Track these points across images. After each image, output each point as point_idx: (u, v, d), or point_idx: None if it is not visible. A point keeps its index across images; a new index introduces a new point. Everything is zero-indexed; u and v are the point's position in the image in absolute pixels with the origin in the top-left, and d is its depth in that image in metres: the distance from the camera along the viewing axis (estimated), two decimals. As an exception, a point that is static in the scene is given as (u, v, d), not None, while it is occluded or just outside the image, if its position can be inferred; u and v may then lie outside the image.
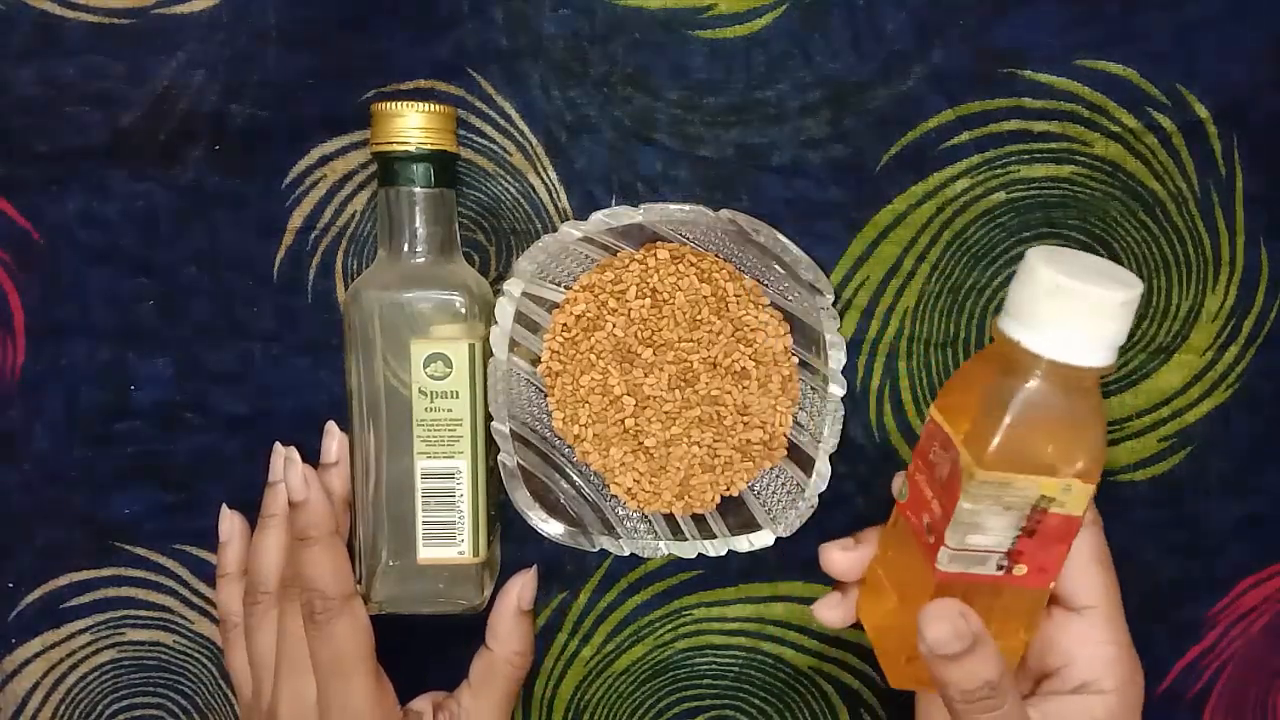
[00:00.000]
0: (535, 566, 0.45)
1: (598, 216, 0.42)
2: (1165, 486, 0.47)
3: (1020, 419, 0.33)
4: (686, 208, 0.42)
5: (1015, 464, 0.33)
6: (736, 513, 0.45)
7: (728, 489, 0.45)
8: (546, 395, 0.44)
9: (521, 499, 0.43)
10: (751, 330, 0.44)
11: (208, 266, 0.45)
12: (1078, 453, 0.33)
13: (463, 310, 0.41)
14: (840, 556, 0.39)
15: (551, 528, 0.44)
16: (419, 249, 0.41)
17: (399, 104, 0.40)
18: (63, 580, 0.47)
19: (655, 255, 0.43)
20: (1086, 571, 0.38)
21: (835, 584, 0.41)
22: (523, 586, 0.44)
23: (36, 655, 0.48)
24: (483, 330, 0.42)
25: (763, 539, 0.44)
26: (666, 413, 0.44)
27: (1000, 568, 0.34)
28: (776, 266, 0.43)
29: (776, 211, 0.45)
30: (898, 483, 0.39)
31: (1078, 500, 0.33)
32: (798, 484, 0.44)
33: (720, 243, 0.43)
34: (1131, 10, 0.43)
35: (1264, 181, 0.45)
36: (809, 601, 0.47)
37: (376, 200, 0.44)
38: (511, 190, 0.45)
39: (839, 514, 0.46)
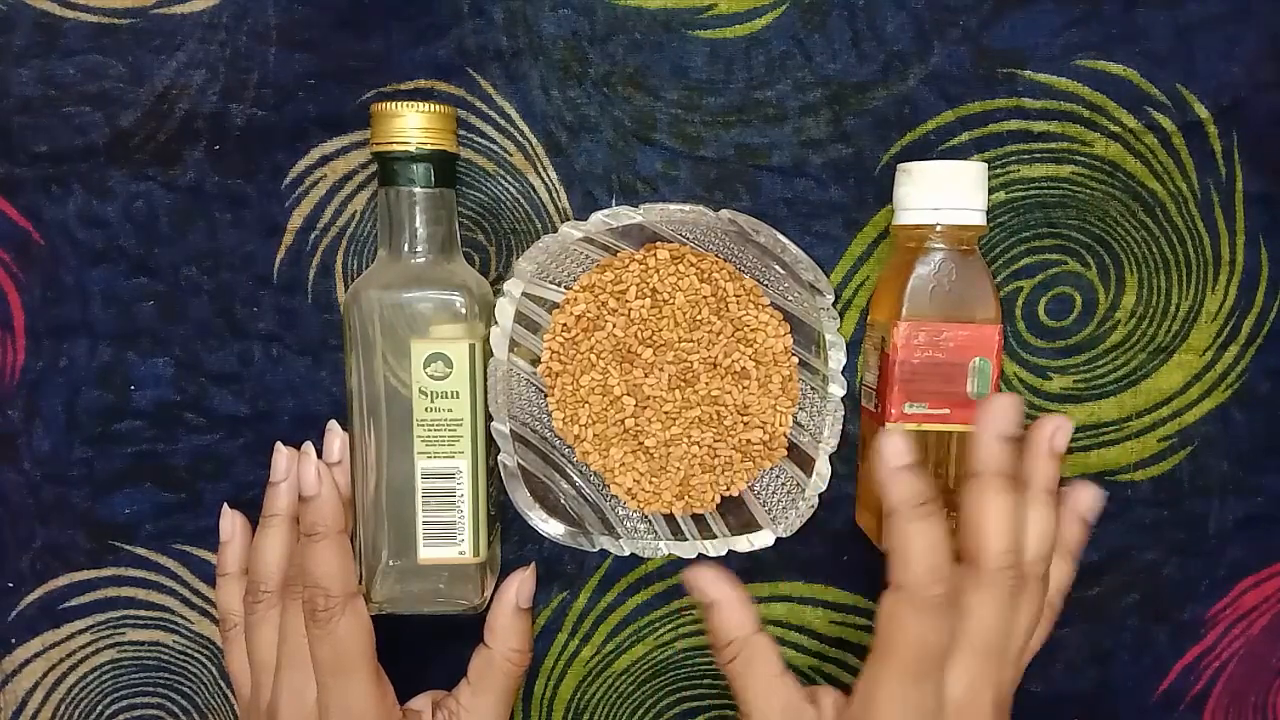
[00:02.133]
0: (534, 564, 0.45)
1: (598, 217, 0.42)
2: (1165, 486, 0.47)
3: (881, 276, 0.44)
4: (686, 208, 0.42)
5: (877, 311, 0.44)
6: (736, 513, 0.45)
7: (728, 489, 0.45)
8: (546, 395, 0.44)
9: (521, 499, 0.43)
10: (751, 330, 0.44)
11: (208, 266, 0.45)
12: (897, 299, 0.41)
13: (463, 310, 0.41)
14: None
15: (552, 528, 0.44)
16: (419, 249, 0.41)
17: (399, 104, 0.40)
18: (63, 580, 0.47)
19: (655, 255, 0.43)
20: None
21: None
22: (521, 584, 0.44)
23: (36, 655, 0.48)
24: (483, 330, 0.42)
25: (763, 539, 0.44)
26: (666, 413, 0.44)
27: (875, 404, 0.43)
28: (776, 267, 0.43)
29: (776, 211, 0.45)
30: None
31: (890, 338, 0.41)
32: (798, 484, 0.44)
33: (720, 243, 0.43)
34: (1131, 10, 0.43)
35: (1264, 181, 0.45)
36: (809, 602, 0.47)
37: (376, 200, 0.44)
38: (511, 190, 0.45)
39: (839, 514, 0.46)
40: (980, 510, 0.35)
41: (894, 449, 0.35)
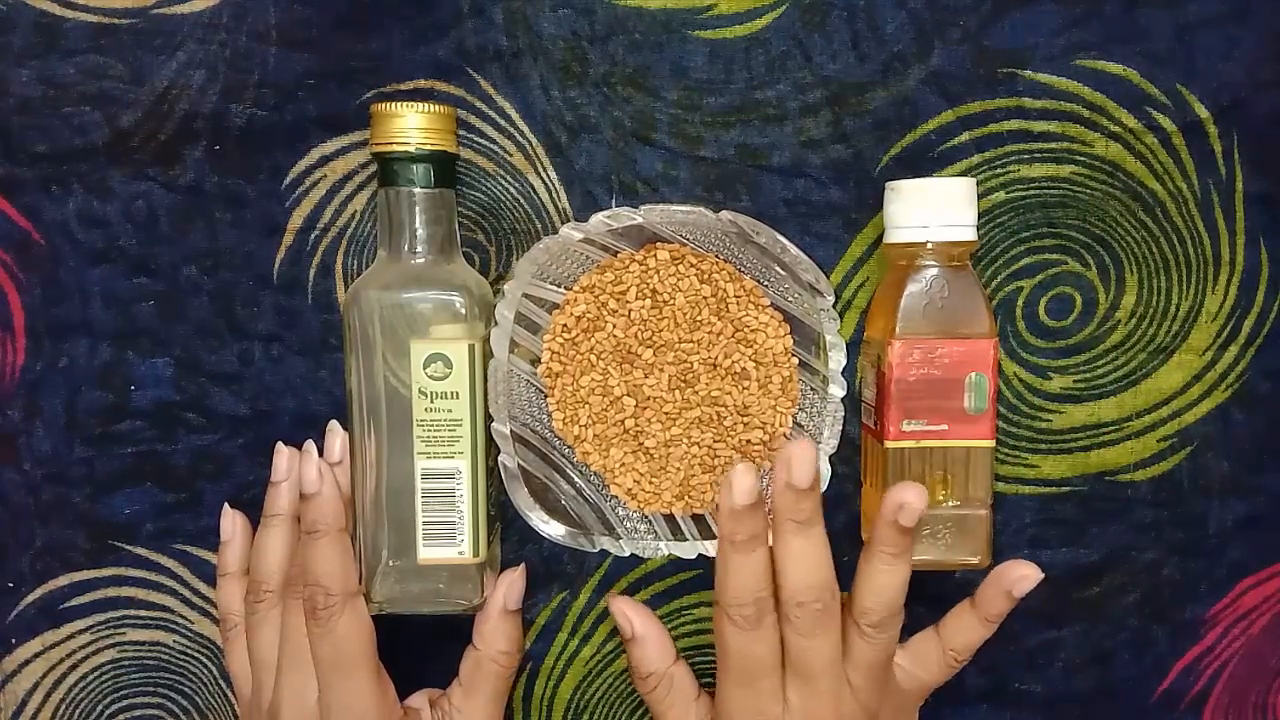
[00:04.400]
0: (523, 565, 0.45)
1: (598, 218, 0.42)
2: (1165, 486, 0.47)
3: (875, 294, 0.44)
4: (687, 209, 0.42)
5: (872, 329, 0.44)
6: (736, 513, 0.45)
7: (728, 489, 0.45)
8: (547, 396, 0.44)
9: (522, 500, 0.43)
10: (752, 331, 0.44)
11: (208, 266, 0.45)
12: (891, 318, 0.41)
13: (463, 311, 0.41)
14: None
15: (552, 529, 0.44)
16: (419, 249, 0.41)
17: (398, 104, 0.40)
18: (63, 580, 0.47)
19: (655, 256, 0.43)
20: None
21: None
22: (509, 586, 0.44)
23: (36, 655, 0.48)
24: (483, 331, 0.42)
25: (763, 539, 0.44)
26: (667, 413, 0.44)
27: (874, 421, 0.43)
28: (777, 267, 0.43)
29: (776, 212, 0.45)
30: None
31: (886, 357, 0.41)
32: (798, 484, 0.44)
33: (720, 243, 0.43)
34: (1131, 10, 0.43)
35: (1264, 181, 0.45)
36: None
37: (376, 200, 0.44)
38: (511, 190, 0.45)
39: (839, 514, 0.46)
40: (781, 552, 0.39)
41: (741, 489, 0.37)
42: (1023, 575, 0.41)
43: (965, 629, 0.42)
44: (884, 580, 0.39)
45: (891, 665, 0.42)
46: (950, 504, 0.42)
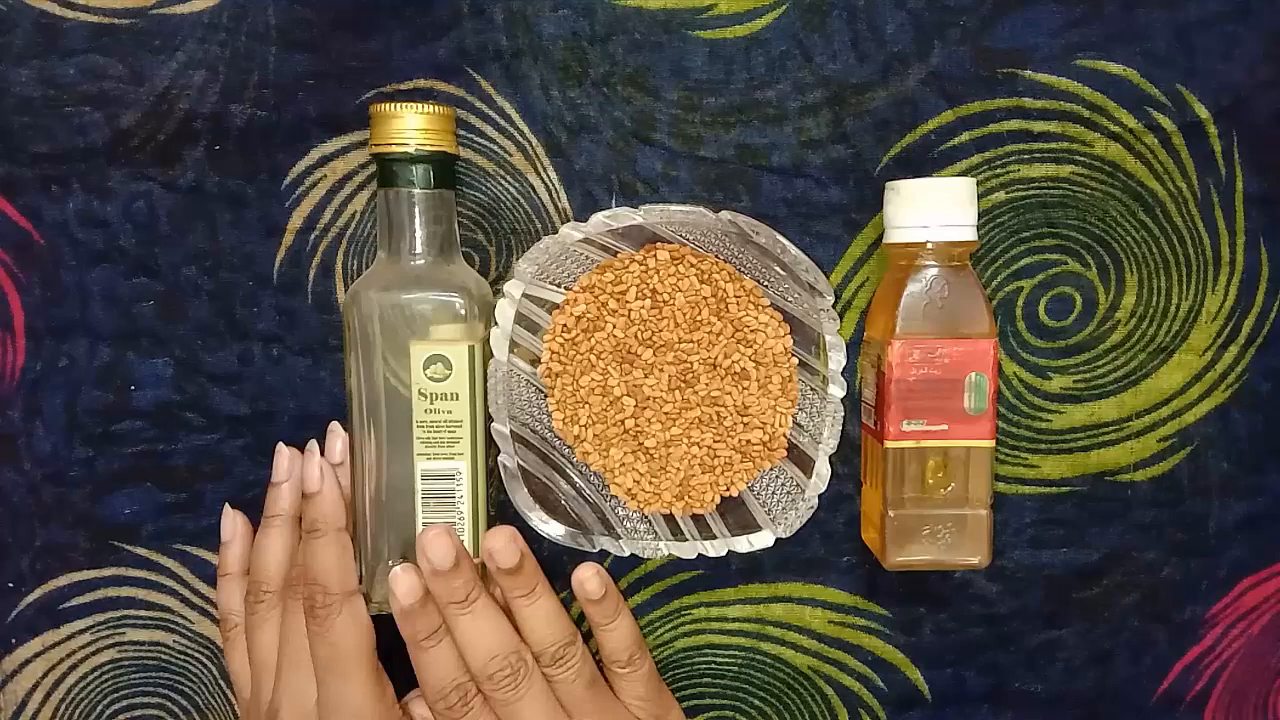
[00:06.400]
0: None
1: (598, 218, 0.42)
2: (1165, 486, 0.47)
3: (875, 294, 0.44)
4: (687, 209, 0.42)
5: (872, 329, 0.44)
6: (736, 513, 0.45)
7: (727, 489, 0.45)
8: (547, 396, 0.44)
9: (522, 500, 0.43)
10: (751, 331, 0.44)
11: (208, 266, 0.45)
12: (891, 318, 0.41)
13: (462, 312, 0.41)
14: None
15: (552, 528, 0.44)
16: (419, 250, 0.41)
17: (398, 105, 0.40)
18: (63, 580, 0.47)
19: (655, 256, 0.43)
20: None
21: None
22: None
23: (36, 655, 0.48)
24: (482, 331, 0.42)
25: (763, 539, 0.44)
26: (666, 413, 0.44)
27: (874, 421, 0.43)
28: (776, 267, 0.43)
29: (776, 212, 0.45)
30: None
31: (886, 357, 0.41)
32: (797, 484, 0.44)
33: (720, 244, 0.43)
34: (1131, 10, 0.43)
35: (1264, 181, 0.45)
36: (809, 602, 0.47)
37: (376, 201, 0.44)
38: (511, 190, 0.45)
39: (839, 514, 0.46)
40: (455, 636, 0.41)
41: (404, 589, 0.40)
42: (582, 580, 0.43)
43: (601, 640, 0.44)
44: (533, 619, 0.41)
45: (653, 679, 0.44)
46: (944, 491, 0.42)
